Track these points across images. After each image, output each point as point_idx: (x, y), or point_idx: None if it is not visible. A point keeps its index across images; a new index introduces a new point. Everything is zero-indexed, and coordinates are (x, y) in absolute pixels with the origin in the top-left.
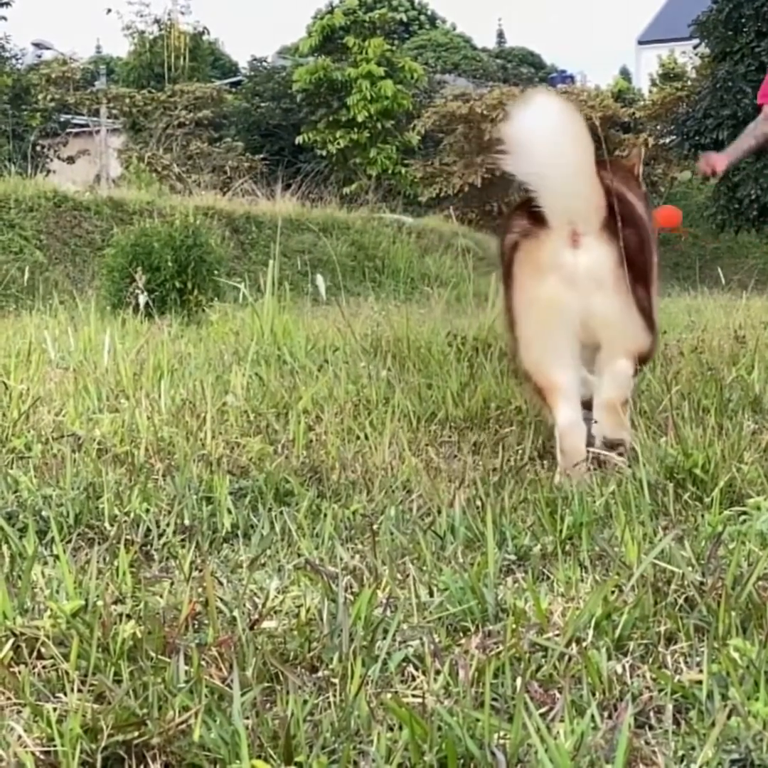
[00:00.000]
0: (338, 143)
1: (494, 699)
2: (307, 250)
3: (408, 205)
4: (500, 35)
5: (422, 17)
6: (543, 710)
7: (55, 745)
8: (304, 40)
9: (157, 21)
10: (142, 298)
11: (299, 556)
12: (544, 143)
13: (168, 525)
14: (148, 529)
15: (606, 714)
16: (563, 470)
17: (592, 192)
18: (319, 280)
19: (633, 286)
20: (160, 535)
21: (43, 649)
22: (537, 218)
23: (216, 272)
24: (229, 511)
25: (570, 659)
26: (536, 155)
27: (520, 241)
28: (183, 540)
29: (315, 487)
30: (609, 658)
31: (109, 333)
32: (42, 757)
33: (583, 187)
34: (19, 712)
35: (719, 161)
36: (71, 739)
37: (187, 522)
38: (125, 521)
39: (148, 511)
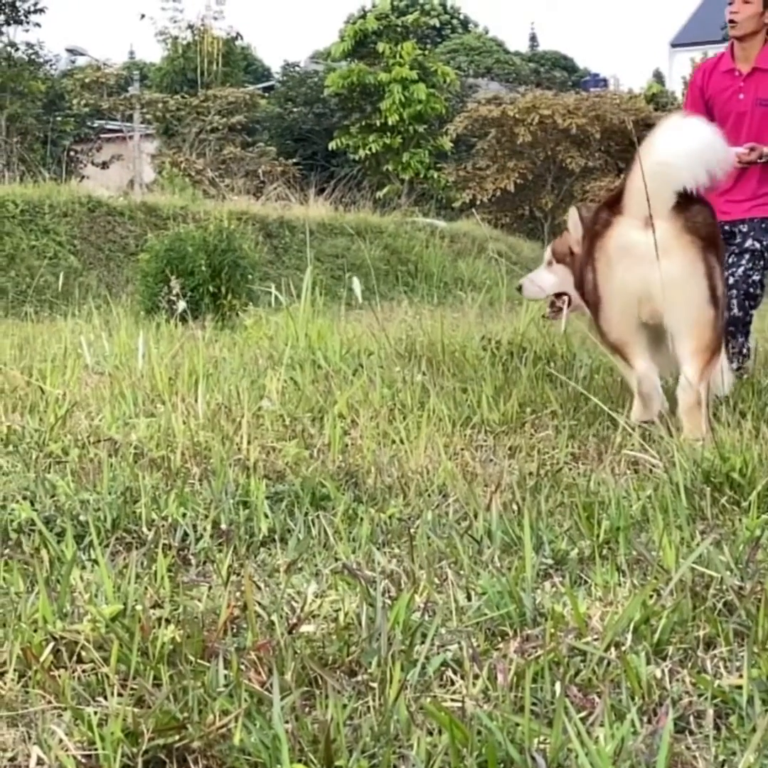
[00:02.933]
0: (371, 148)
1: (533, 703)
2: (340, 255)
3: (441, 209)
4: (533, 39)
5: (455, 21)
6: (582, 715)
7: (96, 749)
8: (336, 44)
9: (190, 26)
10: (181, 305)
11: (336, 560)
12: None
13: (205, 529)
14: (185, 534)
15: (645, 719)
16: (639, 408)
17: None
18: (356, 282)
19: (703, 254)
20: (198, 540)
21: (83, 653)
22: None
23: (250, 277)
24: (266, 516)
25: (609, 664)
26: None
27: (602, 229)
28: (220, 544)
29: (351, 492)
30: (648, 663)
31: (143, 338)
32: (83, 760)
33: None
34: (59, 715)
35: None
36: (112, 743)
37: (223, 526)
38: (162, 525)
39: (184, 515)
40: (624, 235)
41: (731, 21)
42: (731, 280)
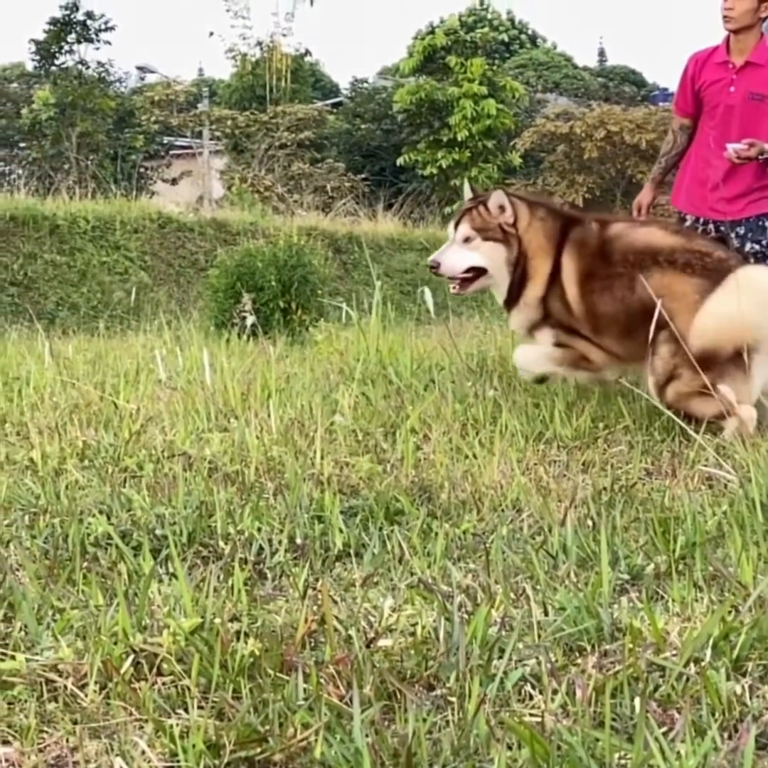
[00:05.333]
0: (440, 163)
1: (613, 719)
2: (408, 270)
3: None
4: (601, 53)
5: (523, 36)
6: (663, 730)
7: (178, 761)
8: (404, 60)
9: (259, 43)
10: (250, 319)
11: (412, 574)
12: None
13: (280, 543)
14: (261, 548)
15: (726, 735)
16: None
17: None
18: (428, 294)
19: None
20: (273, 554)
21: (162, 666)
22: None
23: (319, 292)
24: (341, 530)
25: (688, 679)
26: None
27: None
28: (295, 558)
29: (425, 506)
30: (728, 679)
31: (208, 352)
32: None
33: None
34: (141, 727)
35: (644, 198)
36: (195, 755)
37: (298, 540)
38: (238, 540)
39: (260, 529)
40: None
41: (725, 17)
42: None
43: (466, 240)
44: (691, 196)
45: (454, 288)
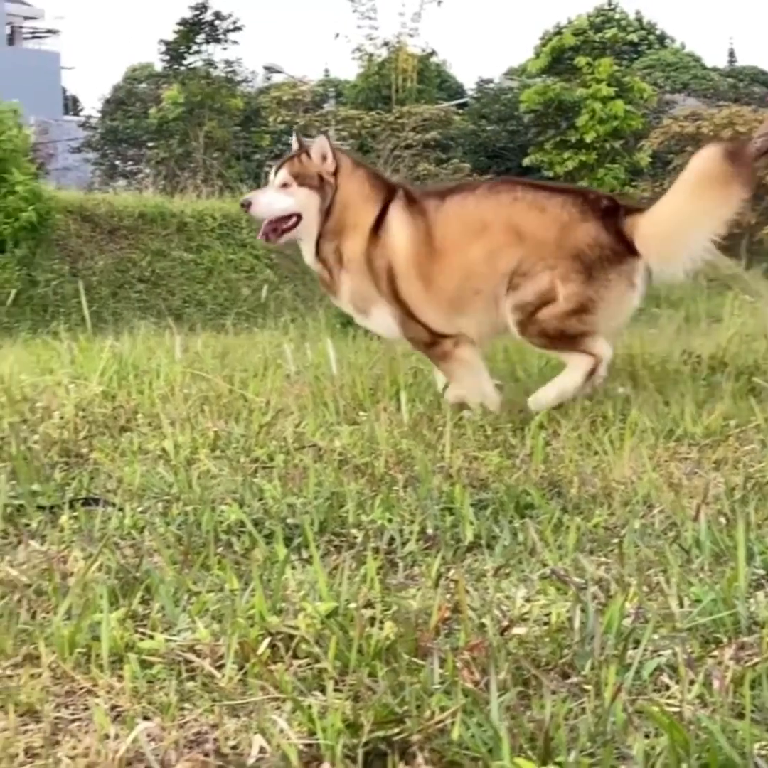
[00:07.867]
0: (566, 164)
1: (752, 710)
2: None
3: None
4: (731, 54)
5: (651, 37)
6: None
7: (316, 739)
8: (531, 60)
9: (385, 43)
10: None
11: (544, 566)
12: None
13: (411, 534)
14: (392, 538)
15: None
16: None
17: None
18: None
19: None
20: (404, 544)
21: (299, 648)
22: None
23: None
24: (471, 522)
25: None
26: None
27: None
28: (426, 548)
29: (555, 500)
30: None
31: (334, 347)
32: (305, 749)
33: None
34: (278, 707)
35: None
36: (333, 734)
37: (430, 531)
38: (370, 529)
39: (390, 520)
40: None
41: None
42: None
43: (284, 185)
44: None
45: (262, 235)
